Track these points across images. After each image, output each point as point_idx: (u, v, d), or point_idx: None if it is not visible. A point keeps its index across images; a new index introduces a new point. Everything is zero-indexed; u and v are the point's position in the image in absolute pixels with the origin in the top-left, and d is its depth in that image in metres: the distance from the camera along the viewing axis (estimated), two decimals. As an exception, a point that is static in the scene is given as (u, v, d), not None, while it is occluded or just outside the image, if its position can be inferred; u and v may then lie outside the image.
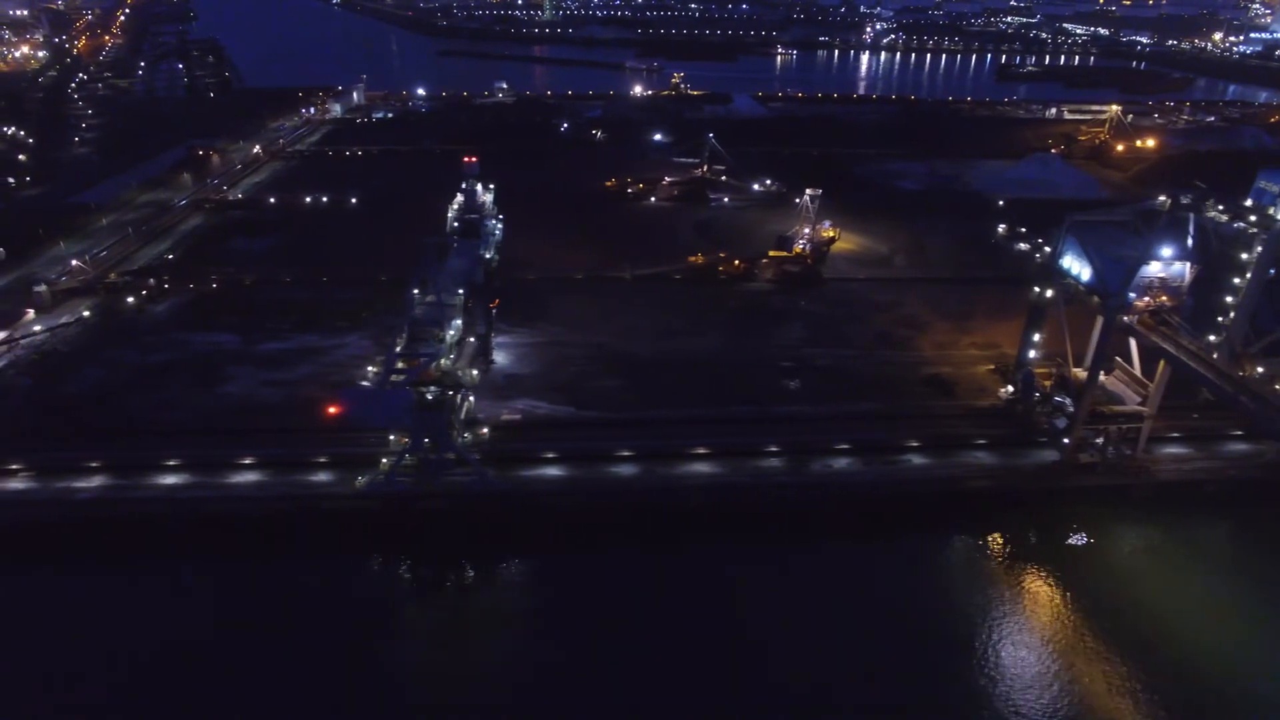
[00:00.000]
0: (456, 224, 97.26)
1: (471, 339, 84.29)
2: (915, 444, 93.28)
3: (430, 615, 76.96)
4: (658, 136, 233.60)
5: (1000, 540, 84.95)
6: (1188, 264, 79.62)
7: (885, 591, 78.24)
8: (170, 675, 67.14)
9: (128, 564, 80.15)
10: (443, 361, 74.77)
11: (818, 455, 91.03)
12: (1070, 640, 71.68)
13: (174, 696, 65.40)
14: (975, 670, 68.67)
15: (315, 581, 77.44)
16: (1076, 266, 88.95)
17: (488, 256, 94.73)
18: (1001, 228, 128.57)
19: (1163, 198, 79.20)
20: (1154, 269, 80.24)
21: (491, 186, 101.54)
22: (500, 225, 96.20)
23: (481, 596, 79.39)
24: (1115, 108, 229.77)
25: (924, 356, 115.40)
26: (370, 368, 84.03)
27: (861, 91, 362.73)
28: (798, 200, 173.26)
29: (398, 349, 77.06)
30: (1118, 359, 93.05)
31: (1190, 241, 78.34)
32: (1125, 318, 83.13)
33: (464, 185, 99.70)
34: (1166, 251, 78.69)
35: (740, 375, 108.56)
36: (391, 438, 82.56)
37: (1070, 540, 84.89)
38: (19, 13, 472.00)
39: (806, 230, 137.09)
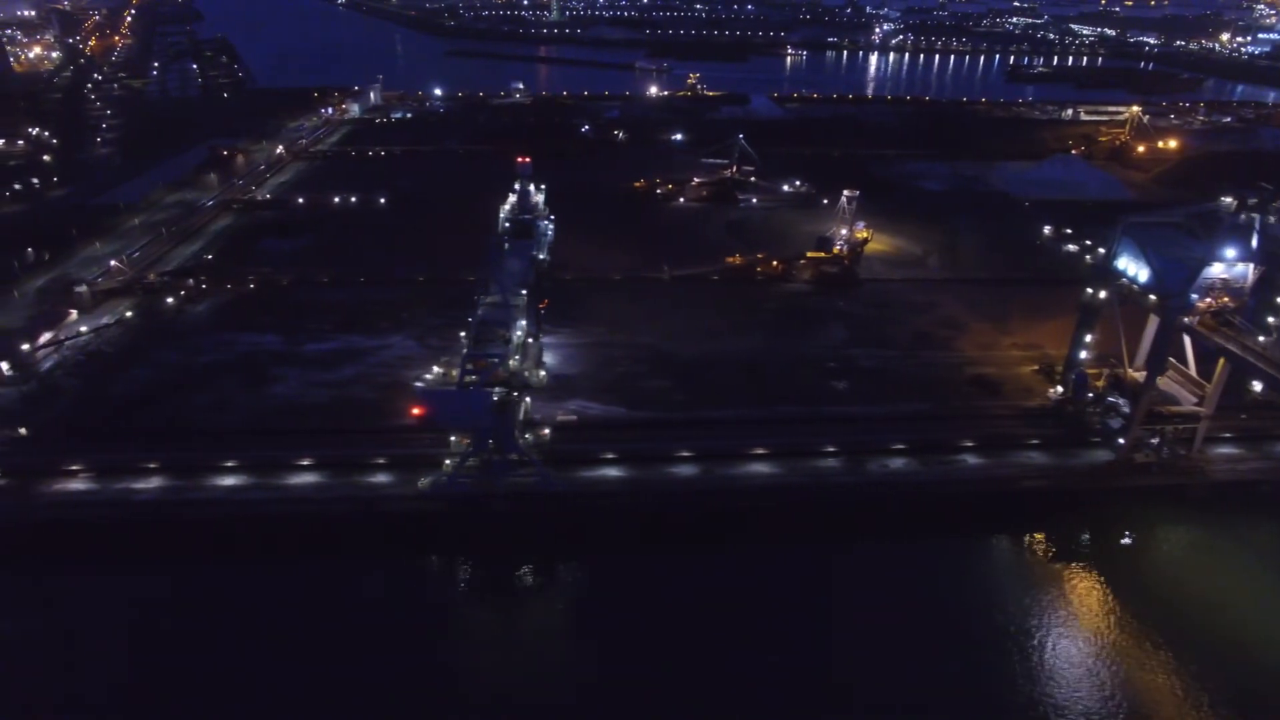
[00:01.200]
0: (508, 224, 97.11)
1: (532, 340, 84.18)
2: (969, 444, 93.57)
3: (492, 617, 76.82)
4: (678, 137, 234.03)
5: (1056, 540, 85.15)
6: (1251, 265, 79.75)
7: (944, 591, 78.42)
8: (231, 675, 66.98)
9: (187, 565, 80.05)
10: (511, 362, 74.66)
11: (874, 455, 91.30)
12: (1126, 640, 71.89)
13: (233, 696, 65.33)
14: (1033, 669, 68.83)
15: (376, 583, 77.53)
16: (1133, 268, 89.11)
17: (541, 257, 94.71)
18: (1047, 229, 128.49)
19: (1228, 199, 79.36)
20: (1216, 270, 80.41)
21: (543, 187, 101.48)
22: (551, 226, 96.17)
23: (543, 598, 79.38)
24: (1135, 109, 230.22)
25: (966, 357, 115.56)
26: (436, 368, 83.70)
27: (873, 92, 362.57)
28: (826, 201, 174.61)
29: (465, 350, 76.78)
30: (1169, 359, 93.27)
31: (1255, 243, 78.45)
32: (1185, 319, 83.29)
33: (517, 185, 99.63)
34: (1230, 253, 78.87)
35: (786, 376, 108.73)
36: (452, 439, 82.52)
37: (1125, 540, 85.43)
38: (26, 13, 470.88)
39: (843, 231, 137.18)
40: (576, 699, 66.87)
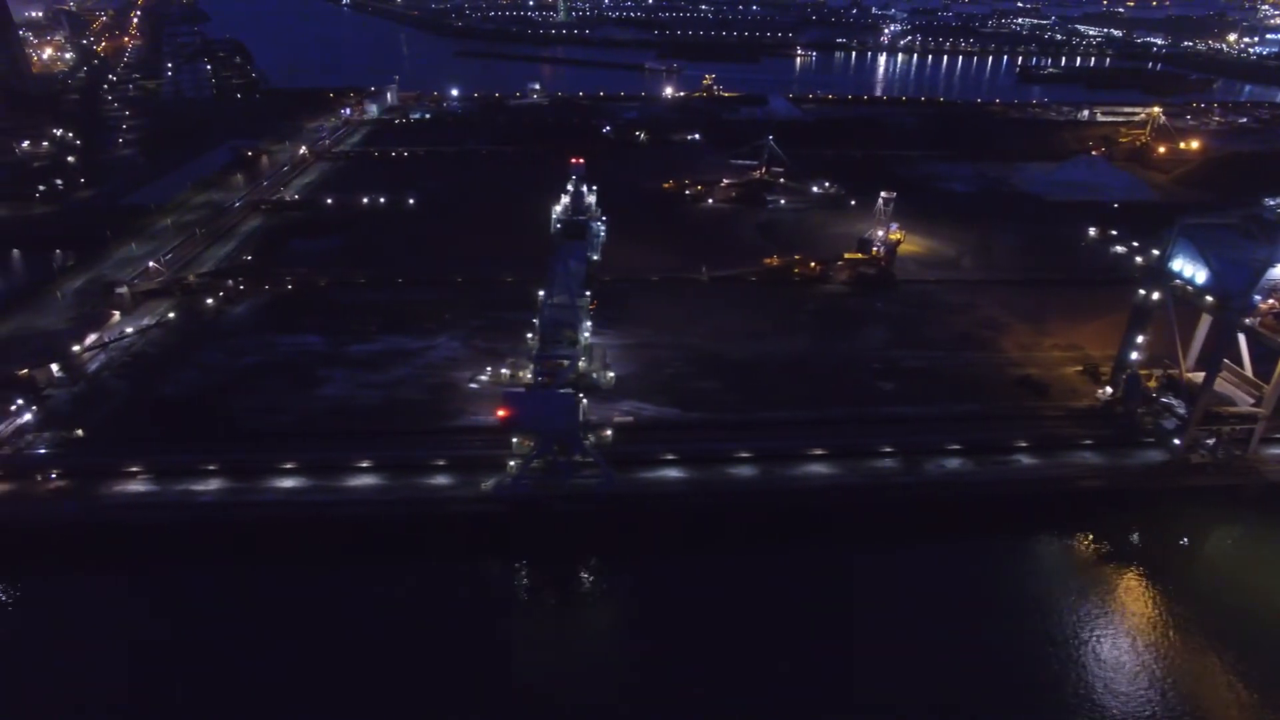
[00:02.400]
0: (559, 224, 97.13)
1: (596, 340, 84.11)
2: (1023, 444, 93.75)
3: (551, 618, 76.73)
4: (695, 136, 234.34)
5: (1111, 540, 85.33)
6: (1312, 266, 79.92)
7: (1003, 591, 78.76)
8: (295, 677, 67.16)
9: (248, 567, 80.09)
10: (580, 364, 74.66)
11: (930, 456, 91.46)
12: (1182, 641, 72.00)
13: (296, 697, 65.51)
14: (1090, 670, 68.94)
15: (438, 585, 77.50)
16: (1189, 269, 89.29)
17: (594, 258, 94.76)
18: (1092, 230, 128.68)
19: (1271, 200, 79.54)
20: (1278, 271, 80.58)
21: (594, 188, 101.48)
22: (604, 228, 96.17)
23: (602, 599, 79.38)
24: (1156, 110, 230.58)
25: (1009, 358, 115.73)
26: (502, 370, 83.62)
27: (886, 93, 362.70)
28: (854, 202, 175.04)
29: (534, 351, 76.74)
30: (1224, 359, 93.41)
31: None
32: (1246, 320, 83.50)
33: (569, 187, 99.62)
34: (1295, 253, 79.09)
35: (832, 377, 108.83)
36: (514, 440, 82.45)
37: (1181, 540, 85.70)
38: (34, 14, 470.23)
39: (880, 233, 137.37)
40: (635, 700, 66.82)
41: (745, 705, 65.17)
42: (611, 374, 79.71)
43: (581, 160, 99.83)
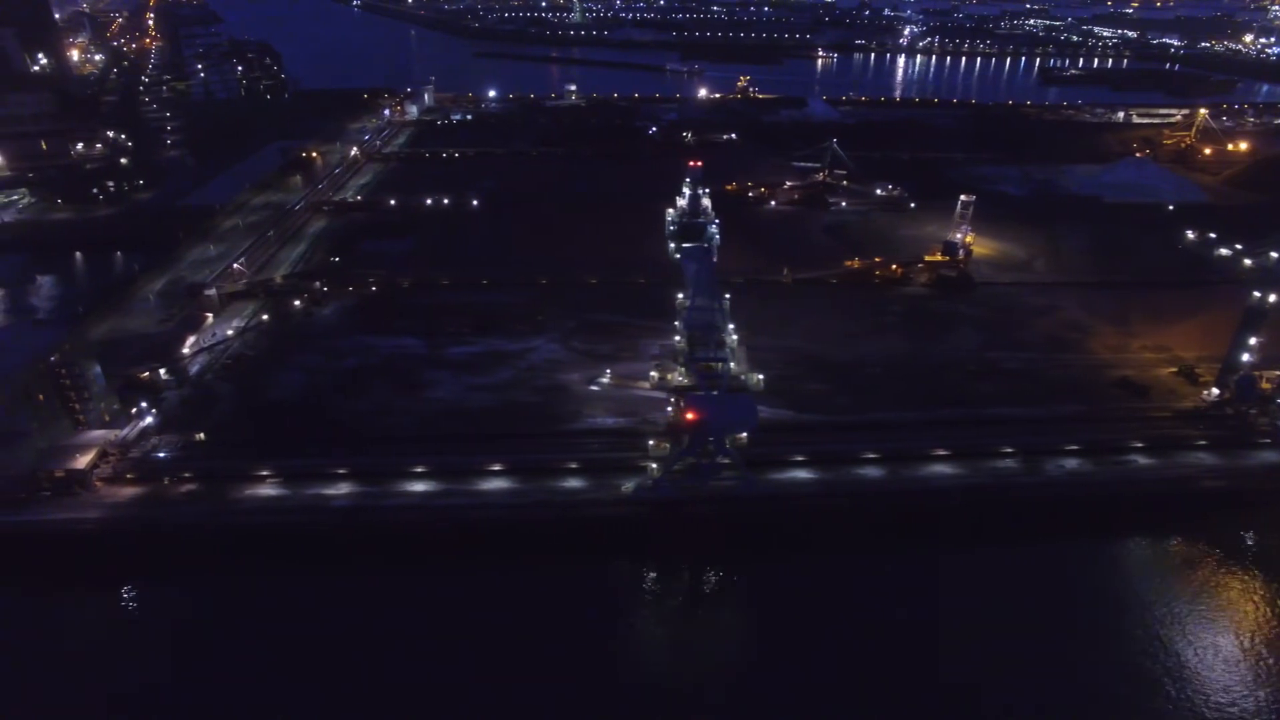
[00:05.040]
0: (674, 227, 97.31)
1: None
2: (1138, 445, 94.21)
3: (689, 619, 77.17)
4: (731, 136, 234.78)
5: (1229, 541, 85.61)
6: None
7: (1128, 591, 79.43)
8: (432, 678, 67.48)
9: (383, 570, 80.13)
10: (732, 365, 74.88)
11: (1048, 456, 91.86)
12: None
13: (433, 693, 65.95)
14: (1209, 671, 69.26)
15: (574, 588, 77.76)
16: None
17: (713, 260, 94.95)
18: (1191, 233, 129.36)
19: None
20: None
21: (707, 190, 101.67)
22: (718, 231, 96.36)
23: (738, 600, 79.66)
24: (1203, 112, 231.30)
25: (1101, 359, 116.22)
26: (652, 373, 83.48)
27: (915, 94, 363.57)
28: (914, 205, 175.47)
29: (686, 354, 76.86)
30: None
31: None
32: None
33: (685, 189, 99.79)
34: None
35: (933, 378, 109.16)
36: (650, 442, 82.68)
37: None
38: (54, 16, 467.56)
39: (958, 236, 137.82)
40: (782, 696, 67.31)
41: (883, 706, 65.77)
42: (760, 376, 79.85)
43: (700, 164, 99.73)
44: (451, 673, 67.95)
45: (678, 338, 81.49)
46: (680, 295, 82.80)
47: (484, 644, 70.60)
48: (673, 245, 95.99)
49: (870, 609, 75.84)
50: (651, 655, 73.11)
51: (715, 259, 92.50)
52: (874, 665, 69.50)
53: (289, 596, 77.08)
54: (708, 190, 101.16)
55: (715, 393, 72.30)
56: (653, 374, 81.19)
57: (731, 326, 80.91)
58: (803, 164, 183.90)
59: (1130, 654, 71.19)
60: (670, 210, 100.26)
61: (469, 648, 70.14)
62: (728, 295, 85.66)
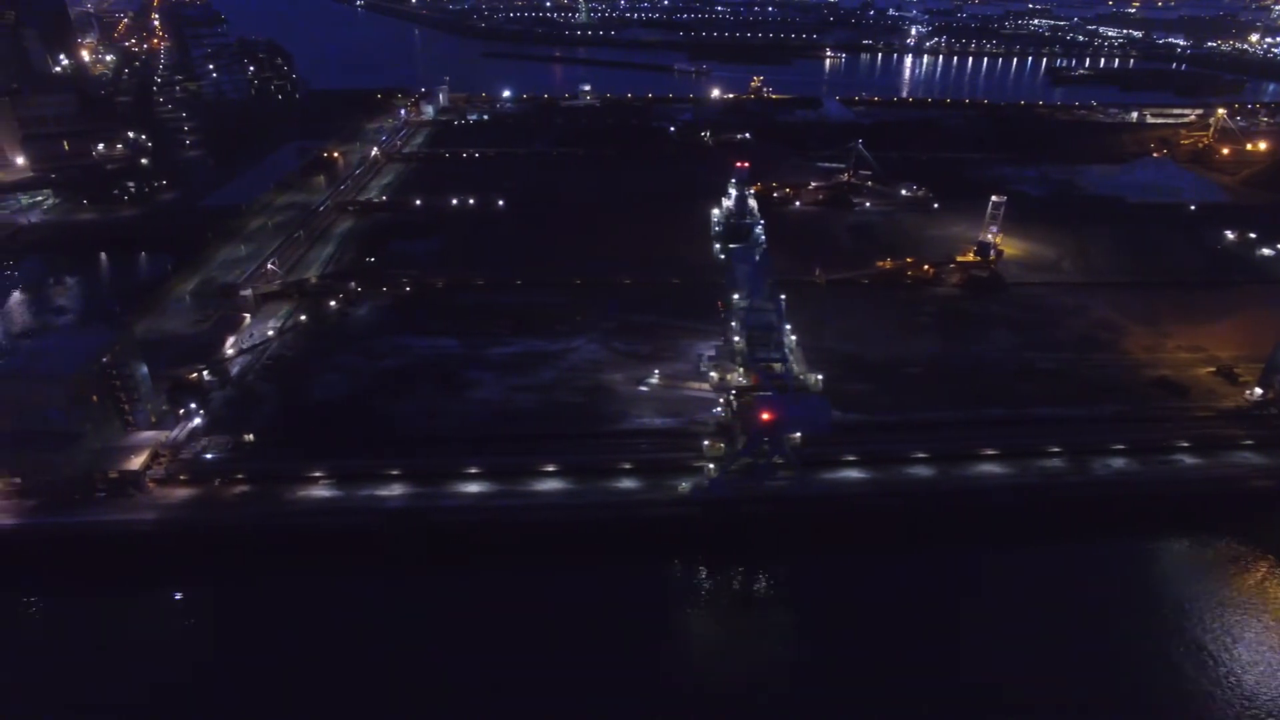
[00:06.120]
0: (720, 227, 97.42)
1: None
2: (1184, 445, 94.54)
3: (740, 618, 77.43)
4: (746, 136, 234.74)
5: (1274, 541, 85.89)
6: None
7: (1192, 591, 79.62)
8: (488, 674, 67.84)
9: (434, 570, 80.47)
10: (793, 366, 75.13)
11: (1095, 455, 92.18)
12: None
13: (480, 698, 66.14)
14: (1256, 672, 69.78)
15: (636, 589, 78.09)
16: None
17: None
18: (1230, 234, 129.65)
19: None
20: None
21: (752, 190, 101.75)
22: (763, 232, 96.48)
23: (791, 599, 79.94)
24: (1221, 112, 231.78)
25: (1138, 359, 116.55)
26: (712, 374, 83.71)
27: (928, 94, 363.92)
28: (937, 205, 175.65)
29: (745, 355, 77.05)
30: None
31: None
32: None
33: (731, 190, 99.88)
34: None
35: (971, 378, 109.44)
36: (705, 442, 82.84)
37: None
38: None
39: (989, 236, 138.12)
40: (817, 696, 67.81)
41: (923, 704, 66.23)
42: (819, 376, 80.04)
43: (747, 165, 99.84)
44: (506, 672, 68.18)
45: (736, 338, 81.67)
46: (735, 296, 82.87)
47: (539, 644, 70.80)
48: (718, 245, 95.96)
49: (924, 609, 76.08)
50: (708, 656, 73.41)
51: (769, 260, 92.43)
52: (927, 665, 69.70)
53: (345, 598, 77.02)
54: (752, 190, 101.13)
55: (789, 393, 72.36)
56: (712, 374, 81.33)
57: (788, 327, 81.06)
58: (826, 164, 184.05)
59: (1181, 656, 71.43)
60: (715, 210, 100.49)
61: (524, 648, 70.28)
62: (783, 296, 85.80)
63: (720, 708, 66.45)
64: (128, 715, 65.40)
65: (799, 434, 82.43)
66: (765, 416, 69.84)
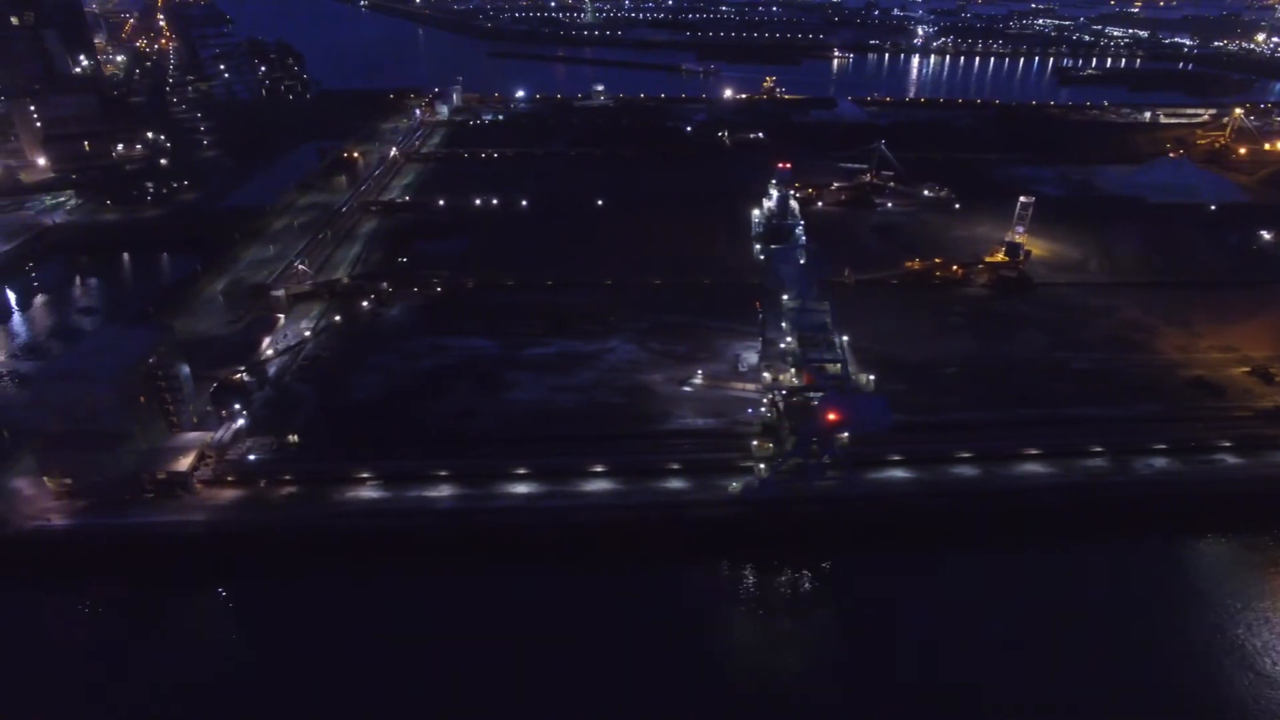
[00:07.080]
0: (761, 228, 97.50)
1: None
2: (1226, 444, 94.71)
3: (788, 617, 77.65)
4: (759, 135, 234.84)
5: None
6: None
7: (1244, 590, 79.75)
8: (537, 674, 68.30)
9: (485, 570, 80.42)
10: (842, 366, 75.23)
11: (1136, 455, 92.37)
12: None
13: (531, 694, 66.65)
14: None
15: (686, 588, 78.33)
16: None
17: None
18: (1267, 234, 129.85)
19: None
20: None
21: (793, 192, 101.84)
22: (803, 233, 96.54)
23: (838, 597, 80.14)
24: (1238, 112, 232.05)
25: (1171, 359, 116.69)
26: (764, 374, 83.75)
27: (939, 94, 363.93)
28: (958, 205, 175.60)
29: (797, 355, 77.16)
30: None
31: None
32: None
33: (772, 190, 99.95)
34: None
35: (1006, 378, 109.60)
36: (753, 444, 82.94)
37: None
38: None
39: (1016, 237, 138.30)
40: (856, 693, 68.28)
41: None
42: (870, 376, 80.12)
43: (789, 165, 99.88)
44: (555, 669, 68.56)
45: (787, 339, 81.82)
46: (785, 296, 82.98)
47: (592, 642, 71.21)
48: (758, 246, 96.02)
49: (975, 607, 76.44)
50: (761, 653, 73.46)
51: (819, 261, 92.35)
52: (978, 662, 70.35)
53: (395, 598, 77.20)
54: (793, 191, 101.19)
55: (849, 393, 72.51)
56: (765, 375, 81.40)
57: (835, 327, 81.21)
58: (848, 165, 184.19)
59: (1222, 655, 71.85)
60: (755, 211, 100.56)
61: (576, 647, 70.70)
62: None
63: (774, 707, 66.46)
64: (178, 713, 65.50)
65: (847, 434, 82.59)
66: (831, 416, 69.91)
